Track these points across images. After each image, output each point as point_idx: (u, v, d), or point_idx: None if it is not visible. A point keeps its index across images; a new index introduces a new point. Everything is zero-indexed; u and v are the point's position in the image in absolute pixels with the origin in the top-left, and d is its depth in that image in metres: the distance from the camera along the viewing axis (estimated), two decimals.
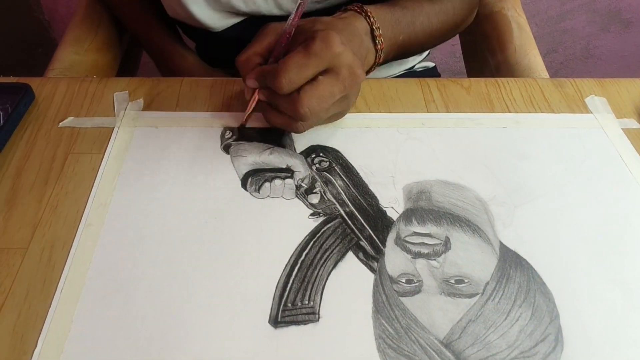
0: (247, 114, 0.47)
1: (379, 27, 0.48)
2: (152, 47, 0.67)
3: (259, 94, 0.45)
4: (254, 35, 0.57)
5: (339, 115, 0.47)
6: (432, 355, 0.34)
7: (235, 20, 0.62)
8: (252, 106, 0.46)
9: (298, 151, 0.46)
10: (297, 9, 0.43)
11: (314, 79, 0.41)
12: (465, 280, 0.38)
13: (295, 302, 0.36)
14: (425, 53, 0.79)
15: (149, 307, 0.36)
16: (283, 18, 0.57)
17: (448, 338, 0.35)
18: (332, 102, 0.42)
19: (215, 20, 0.61)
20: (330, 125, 0.49)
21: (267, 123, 0.47)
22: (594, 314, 0.37)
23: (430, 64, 0.79)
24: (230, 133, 0.48)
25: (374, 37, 0.48)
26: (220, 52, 0.70)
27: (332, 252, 0.39)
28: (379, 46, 0.49)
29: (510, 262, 0.39)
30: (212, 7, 0.59)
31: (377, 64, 0.50)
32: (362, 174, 0.45)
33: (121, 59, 0.71)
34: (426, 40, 0.57)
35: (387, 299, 0.37)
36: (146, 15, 0.66)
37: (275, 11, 0.62)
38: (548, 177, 0.45)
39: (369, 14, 0.48)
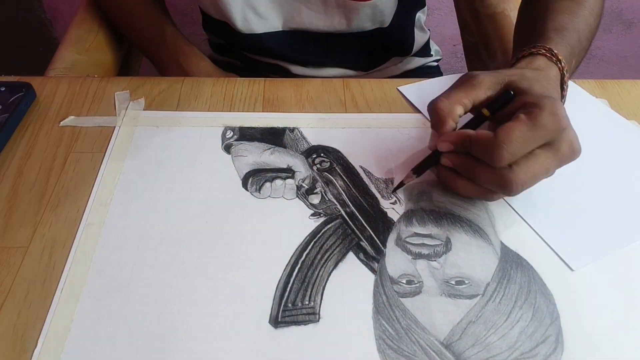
0: (411, 175, 0.43)
1: (567, 71, 0.45)
2: (163, 49, 0.65)
3: (444, 159, 0.41)
4: (289, 45, 0.57)
5: None
6: (433, 356, 0.34)
7: (278, 28, 0.64)
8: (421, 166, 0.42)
9: (299, 151, 0.46)
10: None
11: (530, 152, 0.37)
12: (466, 281, 0.38)
13: (295, 303, 0.36)
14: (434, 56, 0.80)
15: (149, 307, 0.36)
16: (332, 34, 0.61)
17: (448, 339, 0.35)
18: (545, 177, 0.39)
19: (259, 24, 0.63)
20: (330, 126, 0.49)
21: (449, 189, 0.43)
22: (595, 315, 0.36)
23: (434, 63, 0.79)
24: (231, 133, 0.47)
25: (562, 82, 0.45)
26: (247, 52, 0.71)
27: (332, 252, 0.39)
28: (565, 92, 0.46)
29: (511, 262, 0.39)
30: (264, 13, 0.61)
31: None
32: (362, 175, 0.45)
33: (123, 58, 0.71)
34: (589, 45, 0.52)
35: (388, 299, 0.37)
36: (160, 17, 0.66)
37: (342, 28, 0.63)
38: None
39: (559, 57, 0.44)
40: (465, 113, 0.42)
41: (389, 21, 0.66)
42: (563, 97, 0.46)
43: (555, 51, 0.44)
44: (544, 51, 0.44)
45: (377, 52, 0.71)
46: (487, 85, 0.41)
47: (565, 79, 0.45)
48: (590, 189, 0.44)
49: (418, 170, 0.43)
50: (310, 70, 0.70)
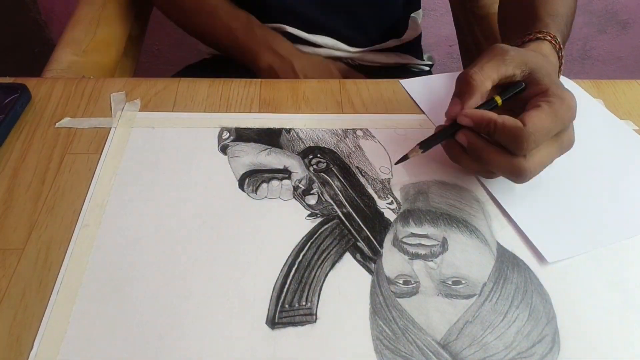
0: (417, 150, 0.43)
1: (563, 56, 0.46)
2: (251, 37, 0.65)
3: (462, 136, 0.41)
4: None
5: None
6: (430, 357, 0.34)
7: None
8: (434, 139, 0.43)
9: (295, 152, 0.46)
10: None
11: None
12: (463, 281, 0.38)
13: (292, 303, 0.36)
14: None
15: (145, 309, 0.36)
16: None
17: (445, 339, 0.35)
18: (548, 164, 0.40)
19: None
20: (327, 126, 0.49)
21: (451, 160, 0.43)
22: (591, 315, 0.37)
23: (426, 67, 0.80)
24: (228, 134, 0.47)
25: (559, 70, 0.47)
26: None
27: (329, 253, 0.39)
28: (559, 75, 0.47)
29: (508, 262, 0.39)
30: None
31: None
32: (359, 175, 0.45)
33: (119, 59, 0.71)
34: (569, 32, 0.53)
35: (385, 300, 0.37)
36: (239, 9, 0.66)
37: None
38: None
39: (561, 47, 0.46)
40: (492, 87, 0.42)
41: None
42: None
43: (559, 41, 0.46)
44: (549, 38, 0.46)
45: (370, 27, 0.71)
46: (516, 63, 0.41)
47: (562, 67, 0.47)
48: (577, 187, 0.44)
49: (426, 145, 0.42)
50: (304, 34, 0.70)
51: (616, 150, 0.47)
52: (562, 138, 0.39)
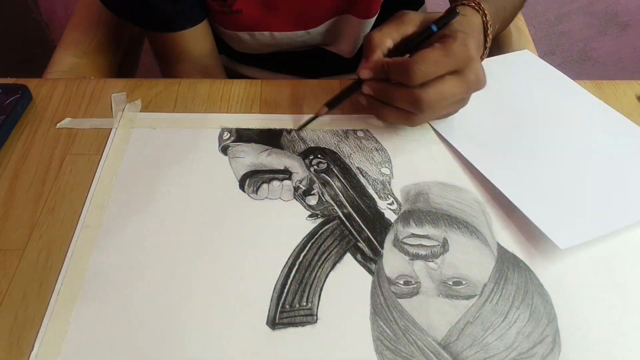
0: (324, 109, 0.47)
1: (490, 25, 0.49)
2: None
3: (365, 87, 0.45)
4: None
5: (450, 114, 0.47)
6: (430, 357, 0.34)
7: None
8: (345, 92, 0.47)
9: (296, 153, 0.46)
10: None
11: (440, 77, 0.41)
12: (463, 282, 0.38)
13: (293, 304, 0.36)
14: None
15: (146, 309, 0.36)
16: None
17: (446, 340, 0.35)
18: (452, 101, 0.43)
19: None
20: (328, 127, 0.49)
21: (378, 118, 0.48)
22: (591, 316, 0.37)
23: None
24: (228, 134, 0.47)
25: (485, 35, 0.49)
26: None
27: (330, 253, 0.39)
28: (488, 44, 0.50)
29: (508, 263, 0.39)
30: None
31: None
32: (359, 176, 0.45)
33: (120, 60, 0.71)
34: (511, 20, 0.57)
35: (385, 300, 0.37)
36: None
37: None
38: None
39: (485, 12, 0.48)
40: (394, 46, 0.45)
41: None
42: (486, 48, 0.50)
43: (482, 5, 0.49)
44: (473, 4, 0.49)
45: None
46: (415, 22, 0.45)
47: (489, 32, 0.49)
48: (582, 176, 0.45)
49: (331, 104, 0.47)
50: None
51: (616, 143, 0.48)
52: (465, 75, 0.42)
